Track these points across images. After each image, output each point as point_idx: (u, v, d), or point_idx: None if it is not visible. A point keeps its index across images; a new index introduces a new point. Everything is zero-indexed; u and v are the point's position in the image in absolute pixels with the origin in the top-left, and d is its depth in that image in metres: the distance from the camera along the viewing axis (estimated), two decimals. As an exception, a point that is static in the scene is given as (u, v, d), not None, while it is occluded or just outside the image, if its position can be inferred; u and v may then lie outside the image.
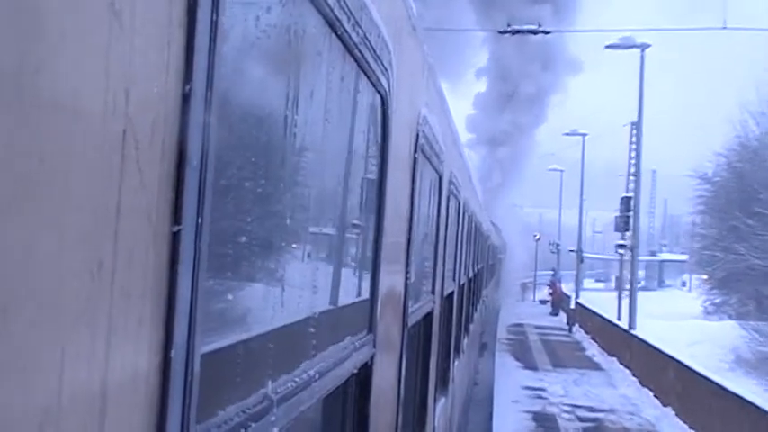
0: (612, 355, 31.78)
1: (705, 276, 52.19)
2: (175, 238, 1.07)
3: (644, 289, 65.56)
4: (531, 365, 29.28)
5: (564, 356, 32.78)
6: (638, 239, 31.80)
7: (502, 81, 56.92)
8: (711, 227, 46.66)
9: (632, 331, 29.70)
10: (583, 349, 36.51)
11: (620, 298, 38.62)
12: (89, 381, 0.91)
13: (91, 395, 0.91)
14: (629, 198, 37.95)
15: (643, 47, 32.36)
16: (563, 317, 50.08)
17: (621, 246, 36.14)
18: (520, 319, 48.96)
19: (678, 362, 21.90)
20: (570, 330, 43.96)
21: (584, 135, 57.85)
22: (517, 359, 30.65)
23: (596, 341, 37.60)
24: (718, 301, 48.25)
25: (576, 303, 46.71)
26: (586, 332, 41.54)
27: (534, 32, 28.43)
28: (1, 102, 0.74)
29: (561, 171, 72.20)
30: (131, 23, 0.95)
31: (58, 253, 0.84)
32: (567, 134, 59.46)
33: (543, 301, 66.22)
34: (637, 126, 32.17)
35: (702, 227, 50.58)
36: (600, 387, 25.39)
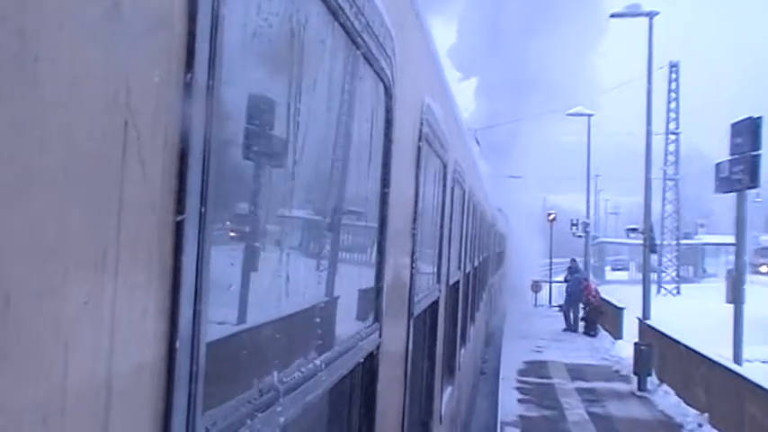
0: None
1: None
2: (179, 227, 1.06)
3: (682, 280, 53.23)
4: None
5: None
6: None
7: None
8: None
9: None
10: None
11: (738, 323, 17.60)
12: (94, 371, 0.90)
13: (96, 386, 0.91)
14: (758, 120, 16.25)
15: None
16: (604, 339, 28.99)
17: None
18: (536, 346, 27.63)
19: None
20: (643, 386, 19.72)
21: (649, 13, 27.73)
22: None
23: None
24: None
25: (647, 328, 22.66)
26: (685, 400, 17.34)
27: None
28: (0, 92, 0.74)
29: (589, 115, 47.14)
30: (132, 12, 0.94)
31: (62, 244, 0.83)
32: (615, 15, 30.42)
33: (563, 307, 37.28)
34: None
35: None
36: None
